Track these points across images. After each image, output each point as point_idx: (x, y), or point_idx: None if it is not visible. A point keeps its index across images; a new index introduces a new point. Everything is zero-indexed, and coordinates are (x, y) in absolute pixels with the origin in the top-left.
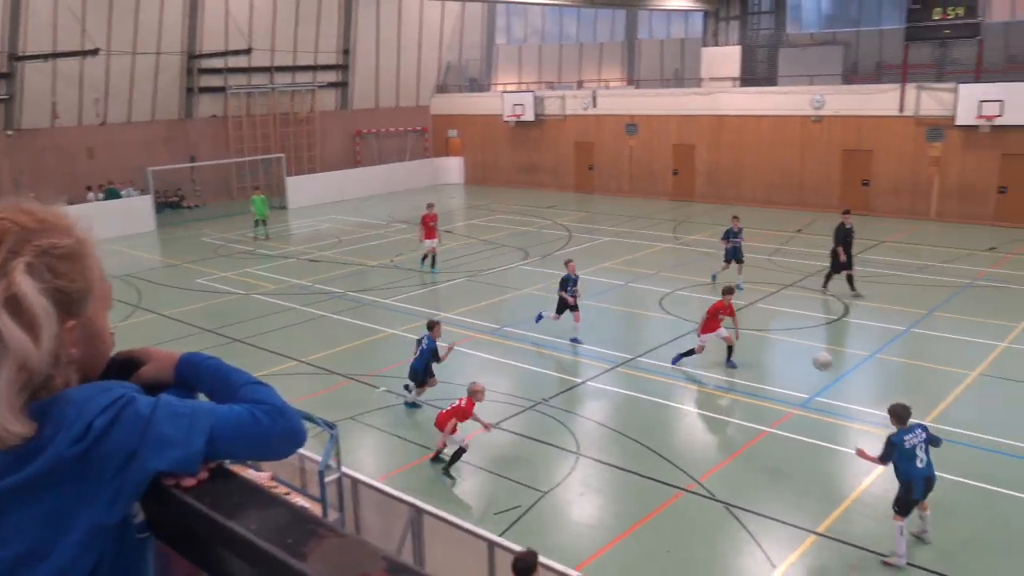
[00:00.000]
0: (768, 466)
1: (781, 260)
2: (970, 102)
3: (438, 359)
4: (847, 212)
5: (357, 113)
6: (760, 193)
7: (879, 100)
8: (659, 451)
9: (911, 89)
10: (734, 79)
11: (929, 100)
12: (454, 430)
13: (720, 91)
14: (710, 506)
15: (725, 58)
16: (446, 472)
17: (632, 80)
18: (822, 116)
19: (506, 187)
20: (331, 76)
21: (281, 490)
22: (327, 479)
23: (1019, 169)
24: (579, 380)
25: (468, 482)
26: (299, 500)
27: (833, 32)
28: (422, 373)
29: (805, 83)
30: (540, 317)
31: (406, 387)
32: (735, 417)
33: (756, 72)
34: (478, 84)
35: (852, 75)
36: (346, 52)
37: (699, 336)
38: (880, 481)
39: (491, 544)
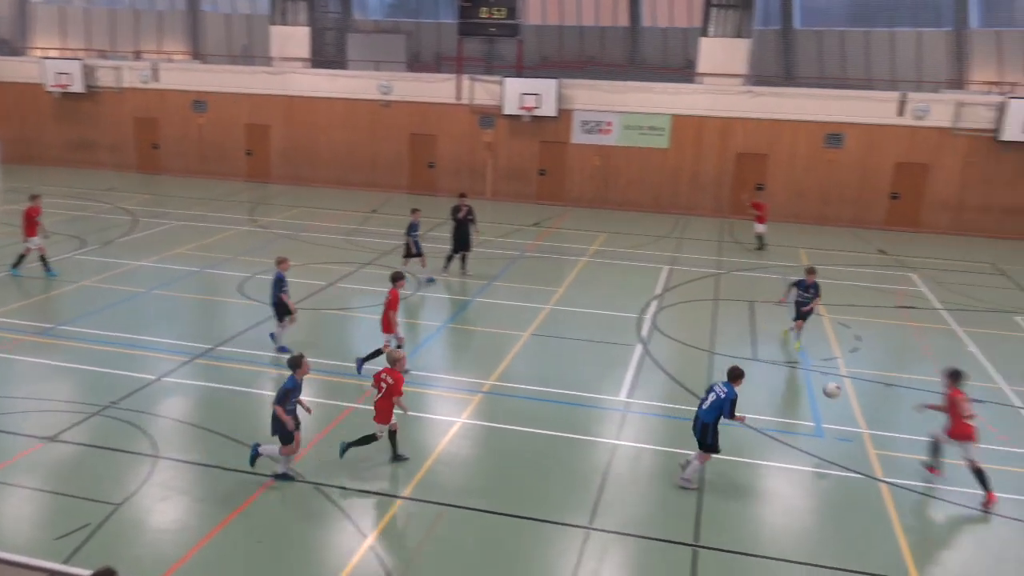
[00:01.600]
0: None
1: (360, 240)
2: (514, 94)
3: None
4: (463, 196)
5: None
6: (335, 174)
7: (439, 89)
8: (246, 442)
9: (465, 80)
10: (304, 60)
11: (481, 91)
12: (404, 407)
13: (291, 71)
14: (300, 488)
15: (294, 38)
16: (397, 458)
17: (198, 54)
18: (390, 101)
19: (55, 167)
20: None
21: None
22: None
23: (553, 154)
24: (152, 377)
25: (18, 508)
26: None
27: (396, 21)
28: None
29: (372, 68)
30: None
31: None
32: (321, 397)
33: (325, 54)
34: (10, 46)
35: (415, 63)
36: None
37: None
38: (456, 440)
39: (53, 574)
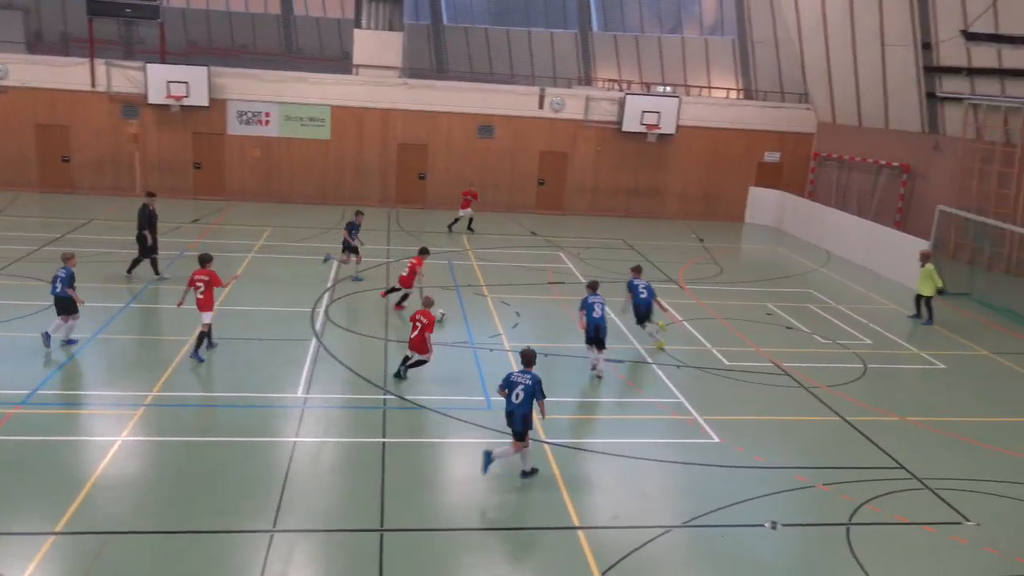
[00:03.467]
0: None
1: None
2: (158, 82)
3: None
4: (151, 195)
5: None
6: None
7: (70, 74)
8: None
9: (101, 65)
10: None
11: (121, 78)
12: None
13: None
14: None
15: None
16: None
17: None
18: (7, 87)
19: None
20: None
21: None
22: None
23: (209, 146)
24: None
25: None
26: None
27: None
28: None
29: None
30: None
31: None
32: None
33: None
34: None
35: (37, 44)
36: None
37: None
38: (117, 460)
39: None
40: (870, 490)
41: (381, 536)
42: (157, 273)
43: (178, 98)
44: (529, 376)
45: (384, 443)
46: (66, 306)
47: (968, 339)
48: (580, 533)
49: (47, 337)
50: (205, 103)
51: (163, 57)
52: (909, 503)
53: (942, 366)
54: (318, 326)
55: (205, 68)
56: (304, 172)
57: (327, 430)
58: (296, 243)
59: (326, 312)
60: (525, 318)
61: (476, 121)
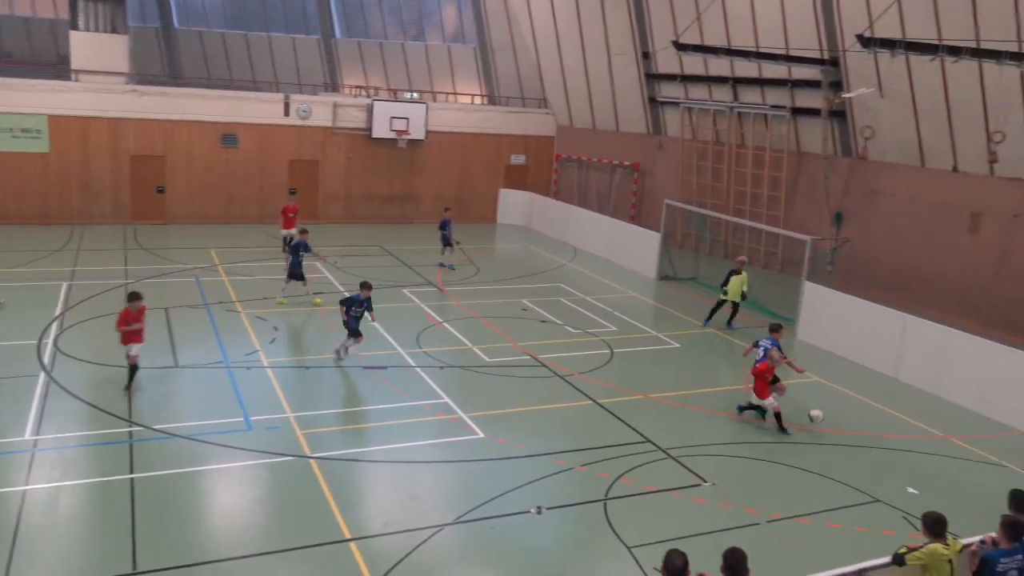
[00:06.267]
0: None
1: None
2: None
3: None
4: None
5: None
6: None
7: None
8: None
9: None
10: None
11: None
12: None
13: None
14: None
15: None
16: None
17: None
18: None
19: None
20: None
21: None
22: None
23: None
24: None
25: None
26: None
27: None
28: None
29: None
30: None
31: None
32: None
33: None
34: None
35: None
36: None
37: None
38: None
39: None
40: (622, 465)
41: None
42: None
43: None
44: None
45: (132, 479)
46: None
47: (696, 318)
48: (352, 545)
49: None
50: None
51: None
52: (656, 472)
53: (676, 345)
54: (46, 359)
55: None
56: (20, 190)
57: (64, 473)
58: (16, 268)
59: (55, 343)
60: (283, 332)
61: (218, 130)
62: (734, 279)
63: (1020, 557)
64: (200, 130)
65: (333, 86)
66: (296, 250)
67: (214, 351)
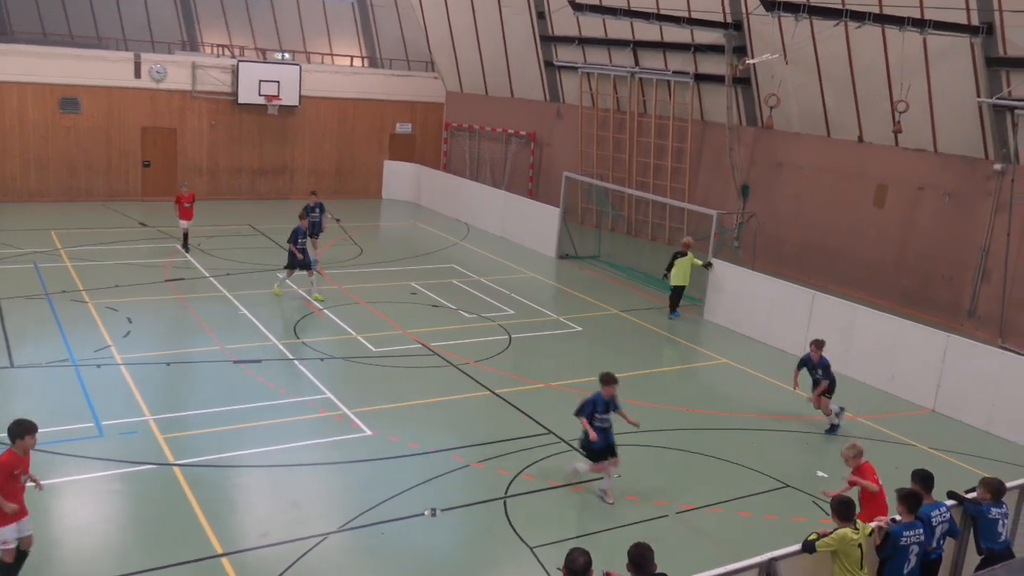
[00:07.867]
0: None
1: None
2: None
3: None
4: None
5: None
6: None
7: None
8: None
9: None
10: None
11: None
12: None
13: None
14: None
15: None
16: None
17: None
18: None
19: None
20: None
21: None
22: None
23: None
24: None
25: None
26: None
27: None
28: None
29: None
30: None
31: None
32: None
33: None
34: None
35: None
36: None
37: None
38: None
39: None
40: (524, 459)
41: None
42: None
43: None
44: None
45: None
46: None
47: (599, 300)
48: (224, 561)
49: None
50: None
51: None
52: (559, 466)
53: (579, 328)
54: None
55: None
56: None
57: None
58: None
59: None
60: (139, 324)
61: (56, 93)
62: (679, 262)
63: (920, 531)
64: (34, 92)
65: (191, 45)
66: (295, 236)
67: (58, 348)
